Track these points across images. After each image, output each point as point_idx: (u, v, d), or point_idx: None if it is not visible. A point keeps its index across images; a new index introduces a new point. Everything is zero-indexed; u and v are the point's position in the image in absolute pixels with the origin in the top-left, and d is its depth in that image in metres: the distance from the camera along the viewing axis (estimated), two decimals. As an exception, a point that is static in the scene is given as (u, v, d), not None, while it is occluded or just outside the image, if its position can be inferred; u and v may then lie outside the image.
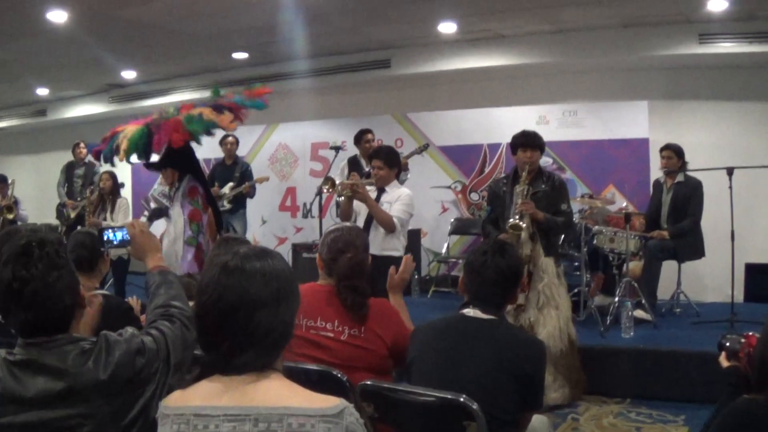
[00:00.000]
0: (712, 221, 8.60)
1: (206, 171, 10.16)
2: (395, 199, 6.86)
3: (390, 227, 6.69)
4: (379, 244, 6.71)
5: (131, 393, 2.51)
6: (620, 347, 7.22)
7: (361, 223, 6.89)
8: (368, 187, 6.92)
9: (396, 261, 6.77)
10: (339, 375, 3.45)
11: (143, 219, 13.50)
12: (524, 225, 6.33)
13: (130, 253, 3.47)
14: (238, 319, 2.14)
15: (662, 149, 8.70)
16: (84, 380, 2.42)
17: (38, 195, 14.52)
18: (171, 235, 6.75)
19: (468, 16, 9.74)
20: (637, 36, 9.89)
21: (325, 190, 7.12)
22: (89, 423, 2.41)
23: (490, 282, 3.56)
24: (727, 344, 3.31)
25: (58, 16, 9.16)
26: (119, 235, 3.52)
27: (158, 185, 13.82)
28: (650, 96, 10.38)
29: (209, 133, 6.54)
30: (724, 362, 3.30)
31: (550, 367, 6.23)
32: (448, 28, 10.25)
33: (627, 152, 10.24)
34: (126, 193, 13.03)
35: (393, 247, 6.80)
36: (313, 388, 3.48)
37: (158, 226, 13.72)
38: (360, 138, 9.85)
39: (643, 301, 7.99)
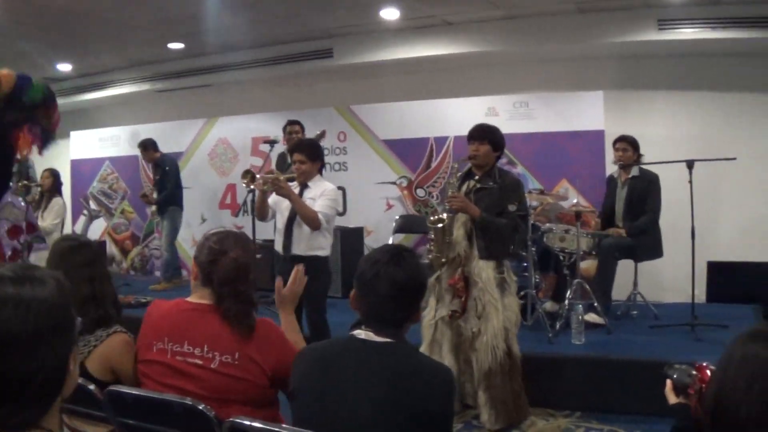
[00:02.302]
0: (671, 217, 8.16)
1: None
2: (319, 194, 6.45)
3: (314, 224, 6.27)
4: (305, 244, 6.40)
5: None
6: (569, 355, 6.70)
7: (281, 221, 6.53)
8: (290, 183, 6.46)
9: (322, 262, 6.33)
10: (205, 410, 2.87)
11: (83, 218, 13.16)
12: (445, 218, 5.79)
13: None
14: None
15: (616, 141, 8.29)
16: None
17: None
18: None
19: (411, 0, 9.23)
20: (592, 22, 9.44)
21: (244, 185, 6.57)
22: None
23: (383, 297, 2.87)
24: (675, 376, 2.63)
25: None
26: None
27: (97, 182, 13.41)
28: (606, 86, 9.94)
29: None
30: (671, 397, 2.64)
31: (483, 382, 5.72)
32: (390, 14, 9.78)
33: (581, 145, 9.78)
34: (64, 191, 12.79)
35: (319, 245, 6.44)
36: (178, 424, 2.93)
37: (97, 226, 13.40)
38: (284, 130, 9.49)
39: (596, 304, 7.50)
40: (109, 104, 14.13)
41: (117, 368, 3.40)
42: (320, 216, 6.26)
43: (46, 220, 9.67)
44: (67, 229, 13.71)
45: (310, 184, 6.53)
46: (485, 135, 6.02)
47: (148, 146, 11.15)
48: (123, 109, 14.08)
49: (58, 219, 9.86)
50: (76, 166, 14.08)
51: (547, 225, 8.16)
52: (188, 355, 3.18)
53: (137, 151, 12.82)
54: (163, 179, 11.00)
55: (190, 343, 3.20)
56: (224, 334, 3.20)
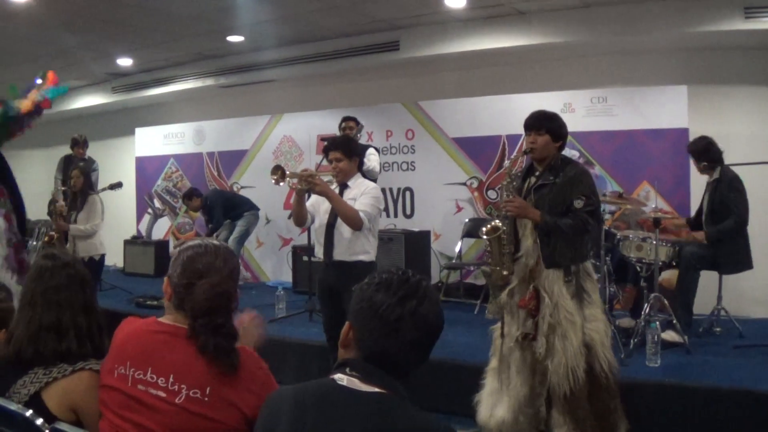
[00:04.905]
0: (758, 223, 7.42)
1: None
2: (360, 194, 5.94)
3: (356, 223, 5.81)
4: (346, 248, 5.96)
5: None
6: (640, 380, 5.97)
7: (321, 225, 6.06)
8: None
9: (367, 267, 5.79)
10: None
11: (147, 216, 13.10)
12: (501, 225, 5.12)
13: None
14: None
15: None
16: None
17: (47, 191, 13.74)
18: None
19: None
20: (674, 11, 8.71)
21: (273, 181, 6.05)
22: None
23: (406, 342, 2.24)
24: None
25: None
26: None
27: (161, 180, 13.22)
28: (690, 80, 9.21)
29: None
30: None
31: (562, 406, 5.00)
32: (456, 2, 9.21)
33: (663, 144, 9.09)
34: (129, 188, 12.78)
35: (362, 249, 5.97)
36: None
37: (162, 225, 13.19)
38: (340, 127, 9.08)
39: (675, 321, 6.80)
40: (173, 100, 14.02)
41: (79, 408, 2.88)
42: (362, 215, 5.78)
43: (83, 222, 9.07)
44: (132, 228, 13.51)
45: (349, 183, 6.06)
46: (542, 124, 5.27)
47: (191, 195, 11.11)
48: (187, 105, 13.99)
49: (99, 219, 9.15)
50: (141, 163, 14.02)
51: (625, 232, 7.50)
52: (151, 385, 2.66)
53: (202, 149, 12.75)
54: (210, 212, 10.93)
55: (154, 370, 2.68)
56: (196, 365, 2.68)
